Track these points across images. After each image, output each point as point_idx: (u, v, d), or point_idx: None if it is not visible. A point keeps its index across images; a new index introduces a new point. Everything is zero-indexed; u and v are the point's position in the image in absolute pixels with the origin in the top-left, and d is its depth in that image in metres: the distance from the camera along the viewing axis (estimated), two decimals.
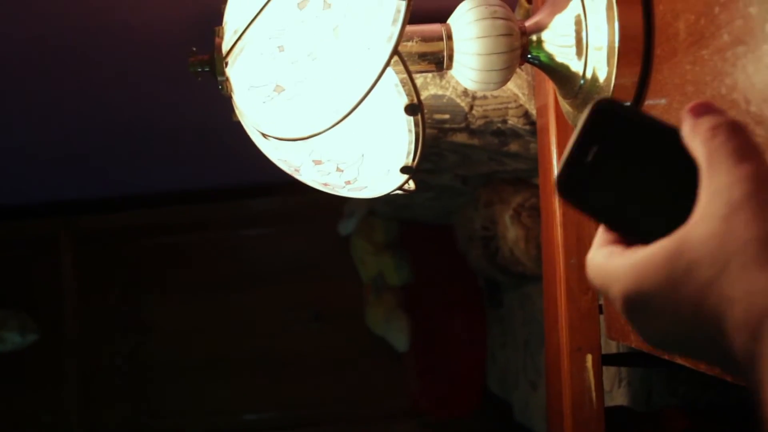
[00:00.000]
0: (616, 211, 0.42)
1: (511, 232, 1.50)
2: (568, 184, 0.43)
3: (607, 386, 1.13)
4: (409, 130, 0.63)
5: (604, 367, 0.86)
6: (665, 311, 0.38)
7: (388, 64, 0.55)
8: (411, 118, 0.63)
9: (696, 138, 0.39)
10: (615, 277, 0.40)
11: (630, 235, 0.42)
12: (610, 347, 1.03)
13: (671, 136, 0.41)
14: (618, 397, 1.13)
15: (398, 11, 0.55)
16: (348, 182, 0.66)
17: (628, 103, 0.50)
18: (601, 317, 0.84)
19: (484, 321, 2.21)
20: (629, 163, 0.42)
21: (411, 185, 0.68)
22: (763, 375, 0.32)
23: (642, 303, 0.39)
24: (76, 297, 2.41)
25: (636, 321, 0.40)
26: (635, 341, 0.72)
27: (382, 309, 2.26)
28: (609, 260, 0.41)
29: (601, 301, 0.84)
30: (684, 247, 0.37)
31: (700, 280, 0.36)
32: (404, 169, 0.65)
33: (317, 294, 2.37)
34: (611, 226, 0.43)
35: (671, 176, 0.41)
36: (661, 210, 0.41)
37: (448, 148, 1.25)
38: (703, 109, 0.40)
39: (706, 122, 0.39)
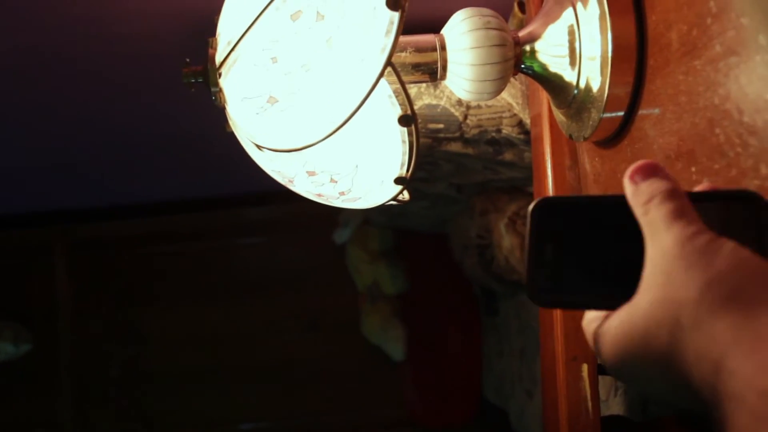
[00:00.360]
0: (591, 292, 0.43)
1: (507, 241, 1.50)
2: (539, 290, 0.44)
3: (603, 395, 1.12)
4: (403, 141, 0.63)
5: (600, 376, 0.85)
6: (636, 376, 0.40)
7: (381, 75, 0.55)
8: (405, 129, 0.63)
9: (636, 208, 0.42)
10: (595, 347, 0.43)
11: (610, 307, 0.43)
12: None
13: (617, 204, 0.43)
14: (614, 406, 1.13)
15: (391, 22, 0.56)
16: (342, 193, 0.66)
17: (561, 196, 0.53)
18: None
19: (480, 329, 2.21)
20: (588, 244, 0.43)
21: (405, 195, 0.68)
22: (725, 411, 0.34)
23: (617, 370, 0.42)
24: (71, 307, 2.40)
25: (620, 379, 0.43)
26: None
27: (377, 318, 2.25)
28: (589, 328, 0.44)
29: None
30: (634, 318, 0.39)
31: (658, 347, 0.38)
32: (398, 180, 0.65)
33: (312, 303, 2.36)
34: (594, 307, 0.44)
35: (627, 243, 0.42)
36: (624, 277, 0.42)
37: (443, 157, 1.24)
38: (641, 175, 0.42)
39: (643, 191, 0.42)
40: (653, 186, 0.41)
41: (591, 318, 0.44)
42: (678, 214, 0.40)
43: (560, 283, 0.44)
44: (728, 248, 0.37)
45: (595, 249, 0.43)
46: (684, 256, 0.38)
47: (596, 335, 0.43)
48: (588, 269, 0.43)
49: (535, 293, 0.44)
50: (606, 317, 0.42)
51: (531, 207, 0.44)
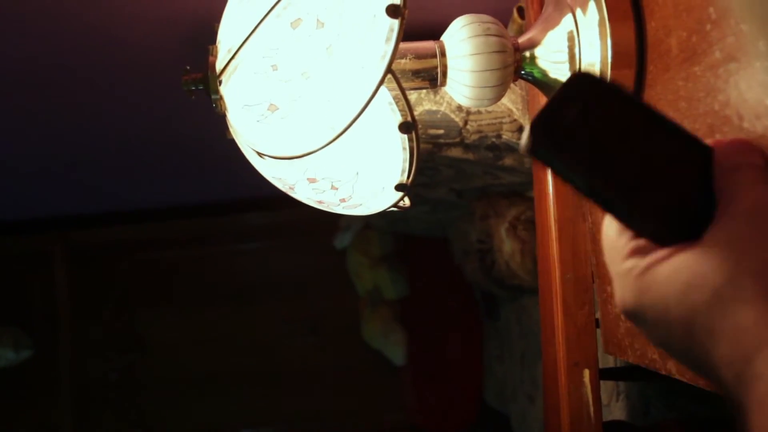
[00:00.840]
0: (596, 185, 0.40)
1: (507, 246, 1.50)
2: (543, 134, 0.39)
3: (604, 400, 1.12)
4: (404, 148, 0.63)
5: (602, 381, 0.85)
6: (659, 327, 0.38)
7: (381, 82, 0.55)
8: (405, 136, 0.63)
9: (726, 159, 0.39)
10: (618, 283, 0.40)
11: (619, 217, 0.40)
12: (608, 361, 1.03)
13: (671, 129, 0.40)
14: (616, 410, 1.13)
15: (391, 30, 0.56)
16: (343, 200, 0.66)
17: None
18: (598, 331, 0.84)
19: (481, 334, 2.21)
20: (613, 137, 0.39)
21: (406, 202, 0.68)
22: (749, 416, 0.32)
23: (638, 315, 0.39)
24: (71, 312, 2.40)
25: (637, 326, 0.40)
26: (632, 356, 0.72)
27: (378, 322, 2.25)
28: (614, 249, 0.41)
29: (598, 316, 0.84)
30: (686, 264, 0.36)
31: (692, 304, 0.36)
32: (399, 187, 0.65)
33: (313, 308, 2.36)
34: (590, 196, 0.40)
35: (667, 169, 0.39)
36: (655, 205, 0.39)
37: (443, 162, 1.25)
38: (741, 143, 0.41)
39: (741, 150, 0.40)
40: (753, 151, 0.39)
41: (613, 230, 0.41)
42: (765, 180, 0.37)
43: (568, 149, 0.39)
44: None
45: (622, 148, 0.39)
46: (758, 224, 0.35)
47: (631, 263, 0.39)
48: (604, 160, 0.39)
49: (541, 133, 0.39)
50: (643, 248, 0.39)
51: (573, 75, 0.41)
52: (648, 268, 0.38)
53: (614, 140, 0.40)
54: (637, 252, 0.40)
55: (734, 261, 0.35)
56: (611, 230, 0.42)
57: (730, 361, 0.33)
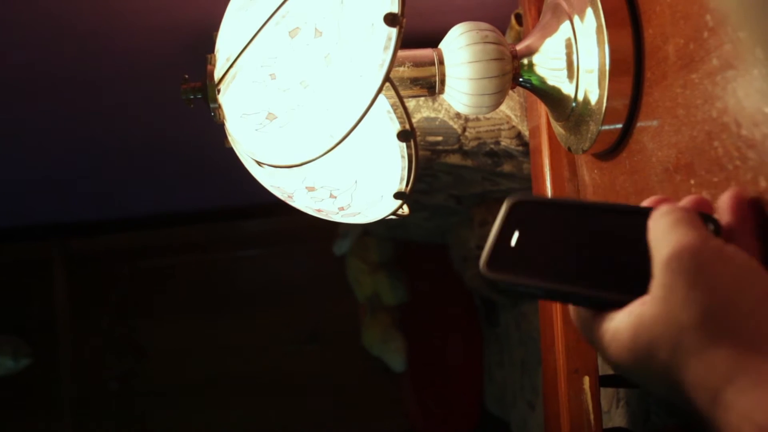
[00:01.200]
0: (560, 283, 0.43)
1: None
2: (494, 265, 0.44)
3: (604, 406, 1.12)
4: (402, 156, 0.63)
5: (602, 388, 0.85)
6: (641, 380, 0.41)
7: (380, 91, 0.55)
8: (404, 144, 0.63)
9: (651, 219, 0.42)
10: (598, 346, 0.43)
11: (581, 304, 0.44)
12: (607, 367, 1.02)
13: (605, 211, 0.44)
14: (616, 417, 1.12)
15: (389, 38, 0.56)
16: (341, 208, 0.66)
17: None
18: None
19: (481, 340, 2.20)
20: (554, 240, 0.44)
21: (405, 210, 0.68)
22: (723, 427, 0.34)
23: (624, 372, 0.41)
24: (70, 320, 2.39)
25: (677, 277, 0.41)
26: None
27: (378, 329, 2.25)
28: (585, 325, 0.44)
29: None
30: (640, 329, 0.39)
31: (660, 362, 0.38)
32: (398, 195, 0.65)
33: (313, 315, 2.36)
34: (559, 300, 0.45)
35: (614, 245, 0.43)
36: (609, 278, 0.42)
37: (442, 169, 1.25)
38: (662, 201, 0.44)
39: (663, 207, 0.42)
40: (668, 205, 0.42)
41: (582, 312, 0.44)
42: (682, 222, 0.40)
43: (521, 269, 0.43)
44: (733, 267, 0.37)
45: (566, 244, 0.44)
46: (684, 271, 0.37)
47: (601, 331, 0.42)
48: (555, 263, 0.43)
49: (492, 265, 0.44)
50: (606, 315, 0.42)
51: (507, 202, 0.45)
52: (614, 335, 0.41)
53: (555, 245, 0.44)
54: (603, 320, 0.42)
55: (673, 320, 0.37)
56: (578, 311, 0.45)
57: (705, 402, 0.35)
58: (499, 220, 0.45)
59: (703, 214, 0.42)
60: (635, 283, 0.41)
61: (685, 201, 0.45)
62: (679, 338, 0.37)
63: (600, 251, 0.43)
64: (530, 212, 0.45)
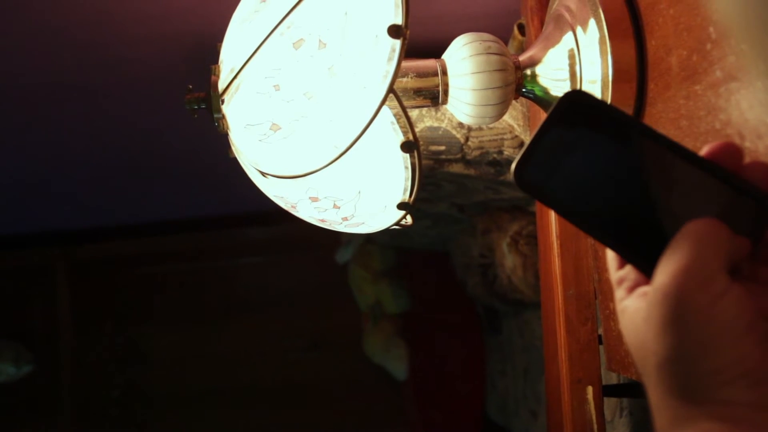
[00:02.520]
0: (581, 209, 0.40)
1: (509, 260, 1.50)
2: (527, 167, 0.40)
3: (608, 416, 1.12)
4: (406, 167, 0.63)
5: (605, 398, 0.85)
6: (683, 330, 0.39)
7: (384, 102, 0.56)
8: (407, 155, 0.63)
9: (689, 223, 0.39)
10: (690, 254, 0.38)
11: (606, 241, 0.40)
12: (611, 377, 1.02)
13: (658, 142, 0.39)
14: (619, 427, 1.12)
15: (393, 50, 0.56)
16: (345, 218, 0.66)
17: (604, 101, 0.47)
18: (601, 348, 0.83)
19: (483, 348, 2.20)
20: (598, 161, 0.40)
21: (408, 220, 0.68)
22: None
23: (685, 304, 0.38)
24: (72, 327, 2.39)
25: (663, 311, 0.40)
26: (635, 373, 0.72)
27: (380, 337, 2.24)
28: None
29: (601, 332, 0.84)
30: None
31: (637, 365, 0.40)
32: (401, 206, 0.65)
33: (315, 323, 2.36)
34: (574, 222, 0.41)
35: (648, 189, 0.39)
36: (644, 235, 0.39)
37: (445, 177, 1.25)
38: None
39: (705, 220, 0.38)
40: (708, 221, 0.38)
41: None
42: (702, 246, 0.37)
43: (554, 177, 0.39)
44: (715, 326, 0.36)
45: (608, 170, 0.40)
46: (667, 309, 0.36)
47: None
48: (588, 184, 0.40)
49: (522, 170, 0.40)
50: (630, 287, 0.40)
51: (564, 96, 0.40)
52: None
53: (596, 166, 0.40)
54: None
55: (646, 344, 0.37)
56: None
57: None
58: (548, 117, 0.40)
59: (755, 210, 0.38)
60: (655, 249, 0.38)
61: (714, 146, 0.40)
62: (646, 362, 0.38)
63: (641, 193, 0.39)
64: (585, 116, 0.39)
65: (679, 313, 0.36)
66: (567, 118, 0.40)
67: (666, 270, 0.37)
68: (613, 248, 0.41)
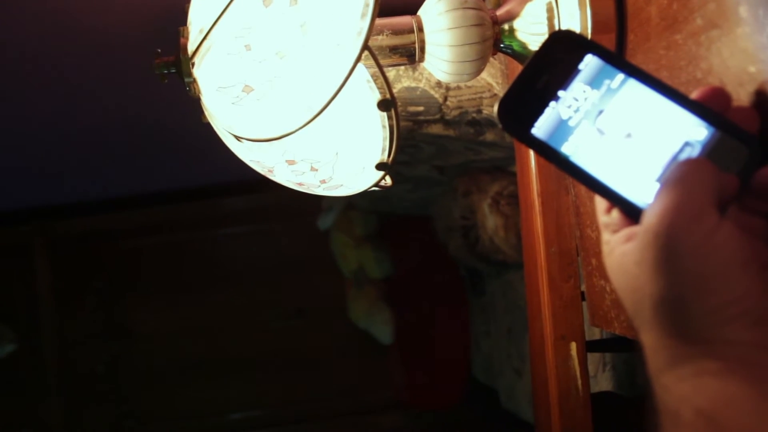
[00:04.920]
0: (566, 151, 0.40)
1: (491, 221, 1.50)
2: (510, 109, 0.39)
3: (591, 371, 1.13)
4: (383, 126, 0.62)
5: (588, 353, 0.86)
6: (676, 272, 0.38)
7: (358, 59, 0.54)
8: (384, 114, 0.61)
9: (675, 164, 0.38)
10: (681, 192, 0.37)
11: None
12: (594, 333, 1.03)
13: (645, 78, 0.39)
14: (603, 381, 1.13)
15: (366, 5, 0.54)
16: (323, 181, 0.65)
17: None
18: (584, 304, 0.84)
19: (467, 310, 2.22)
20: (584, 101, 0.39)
21: (388, 181, 0.67)
22: (661, 422, 0.36)
23: (677, 245, 0.38)
24: (54, 304, 2.37)
25: (654, 252, 0.39)
26: (618, 328, 0.72)
27: (364, 302, 2.25)
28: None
29: (583, 288, 0.84)
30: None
31: (627, 309, 0.40)
32: (380, 166, 0.64)
33: (299, 290, 2.36)
34: (559, 165, 0.40)
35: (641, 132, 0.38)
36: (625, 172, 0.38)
37: (424, 139, 1.24)
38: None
39: (690, 160, 0.38)
40: (693, 161, 0.38)
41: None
42: (691, 185, 0.36)
43: (537, 119, 0.39)
44: (711, 264, 0.35)
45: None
46: (659, 250, 0.36)
47: (605, 238, 0.41)
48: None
49: (505, 111, 0.39)
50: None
51: (552, 35, 0.39)
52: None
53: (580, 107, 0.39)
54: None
55: (639, 286, 0.37)
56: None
57: (646, 371, 0.37)
58: (535, 53, 0.39)
59: (745, 137, 0.37)
60: (642, 192, 0.38)
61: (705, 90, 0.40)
62: (640, 305, 0.37)
63: (628, 135, 0.39)
64: (572, 54, 0.39)
65: (673, 252, 0.35)
66: (554, 57, 0.39)
67: (655, 210, 0.36)
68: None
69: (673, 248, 0.35)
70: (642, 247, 0.37)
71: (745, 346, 0.34)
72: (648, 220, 0.37)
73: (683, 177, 0.37)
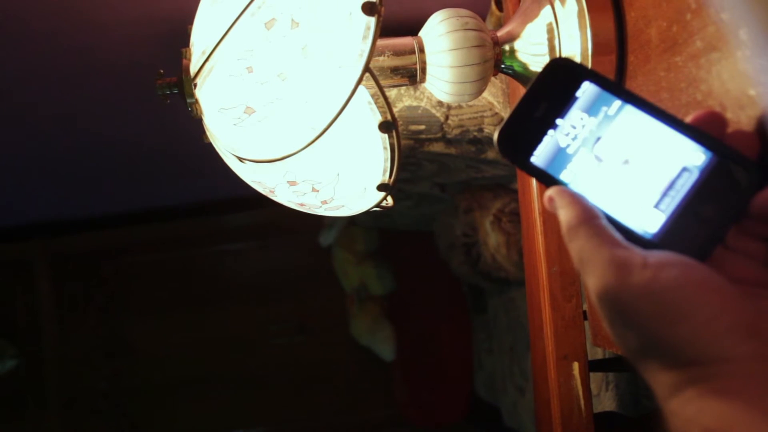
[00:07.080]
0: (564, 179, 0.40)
1: (492, 238, 1.49)
2: (509, 138, 0.40)
3: (594, 390, 1.12)
4: (384, 147, 0.62)
5: (591, 373, 0.85)
6: (634, 324, 0.38)
7: (360, 81, 0.54)
8: (386, 135, 0.62)
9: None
10: (593, 270, 0.38)
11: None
12: (596, 352, 1.03)
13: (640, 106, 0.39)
14: (606, 400, 1.12)
15: (368, 27, 0.54)
16: (324, 202, 0.65)
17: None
18: (586, 323, 0.83)
19: (470, 327, 2.21)
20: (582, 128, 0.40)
21: (389, 201, 0.67)
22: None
23: (617, 308, 0.38)
24: (55, 320, 2.37)
25: (608, 318, 0.39)
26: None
27: (366, 319, 2.24)
28: (591, 244, 0.39)
29: (585, 308, 0.84)
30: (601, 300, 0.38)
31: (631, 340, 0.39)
32: (381, 187, 0.64)
33: (301, 306, 2.35)
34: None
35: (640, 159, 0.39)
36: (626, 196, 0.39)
37: (425, 157, 1.24)
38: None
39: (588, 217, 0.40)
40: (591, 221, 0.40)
41: (586, 228, 0.40)
42: (600, 250, 0.38)
43: (535, 147, 0.40)
44: (661, 304, 0.35)
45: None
46: (613, 310, 0.37)
47: (591, 252, 0.39)
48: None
49: (504, 140, 0.40)
50: (600, 230, 0.39)
51: (550, 62, 0.40)
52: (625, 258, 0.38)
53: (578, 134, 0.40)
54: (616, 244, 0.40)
55: (621, 340, 0.38)
56: (582, 232, 0.41)
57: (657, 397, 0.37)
58: (533, 82, 0.40)
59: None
60: (638, 219, 0.38)
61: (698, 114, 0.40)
62: (628, 353, 0.38)
63: (625, 162, 0.39)
64: (569, 82, 0.39)
65: (621, 309, 0.36)
66: (552, 85, 0.40)
67: (586, 281, 0.38)
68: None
69: (617, 306, 0.36)
70: (599, 312, 0.38)
71: (745, 360, 0.34)
72: (590, 283, 0.38)
73: (571, 235, 0.39)
